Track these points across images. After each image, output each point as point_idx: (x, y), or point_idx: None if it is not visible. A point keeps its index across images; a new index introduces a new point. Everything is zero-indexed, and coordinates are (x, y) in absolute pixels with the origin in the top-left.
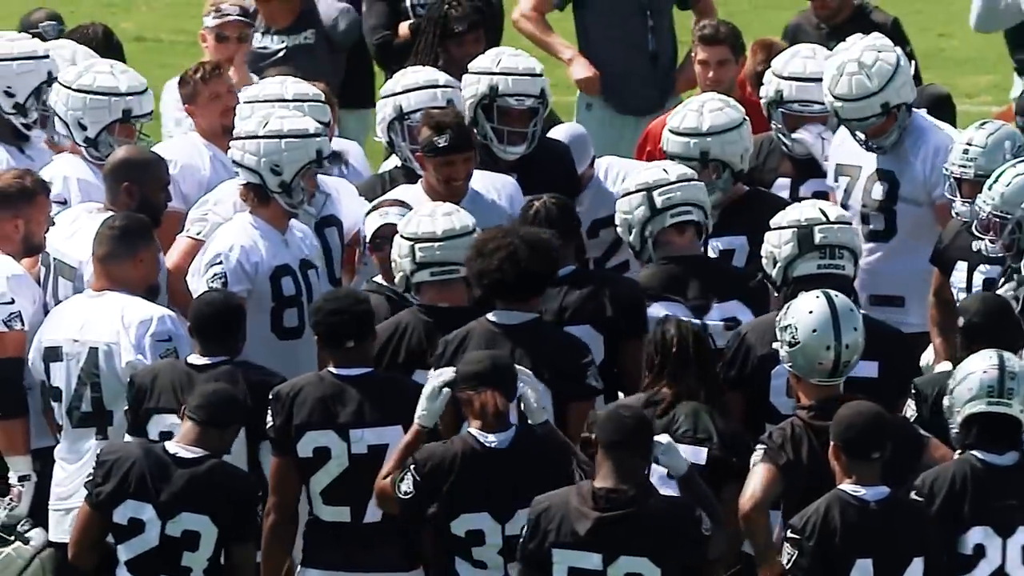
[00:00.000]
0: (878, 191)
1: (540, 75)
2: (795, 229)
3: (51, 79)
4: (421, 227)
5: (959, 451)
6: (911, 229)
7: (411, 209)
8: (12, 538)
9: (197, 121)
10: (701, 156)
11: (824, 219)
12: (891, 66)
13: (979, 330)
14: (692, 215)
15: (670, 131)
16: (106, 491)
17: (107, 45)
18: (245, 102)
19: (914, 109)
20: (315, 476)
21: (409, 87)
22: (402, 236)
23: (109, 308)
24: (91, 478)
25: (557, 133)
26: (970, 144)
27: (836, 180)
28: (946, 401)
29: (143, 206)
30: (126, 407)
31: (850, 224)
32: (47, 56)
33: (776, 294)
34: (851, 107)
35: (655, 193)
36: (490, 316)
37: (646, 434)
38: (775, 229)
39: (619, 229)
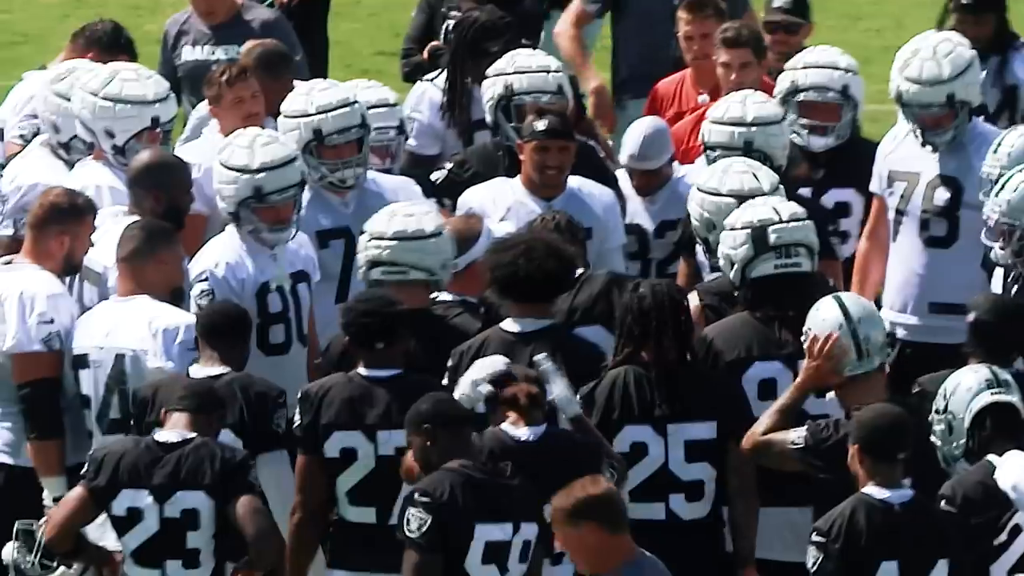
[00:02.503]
0: (941, 196)
1: (558, 71)
2: (749, 230)
3: (155, 124)
4: (377, 225)
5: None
6: (973, 235)
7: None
8: (55, 563)
9: (221, 123)
10: (745, 146)
11: (777, 218)
12: (965, 60)
13: (986, 328)
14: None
15: (712, 121)
16: (100, 485)
17: (115, 42)
18: (286, 116)
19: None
20: (341, 477)
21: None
22: (365, 230)
23: (136, 314)
24: (84, 473)
25: (639, 126)
26: (1000, 145)
27: (890, 186)
28: (938, 424)
29: (169, 210)
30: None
31: (805, 220)
32: (154, 102)
33: (735, 294)
34: (917, 91)
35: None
36: (504, 325)
37: (464, 413)
38: (730, 230)
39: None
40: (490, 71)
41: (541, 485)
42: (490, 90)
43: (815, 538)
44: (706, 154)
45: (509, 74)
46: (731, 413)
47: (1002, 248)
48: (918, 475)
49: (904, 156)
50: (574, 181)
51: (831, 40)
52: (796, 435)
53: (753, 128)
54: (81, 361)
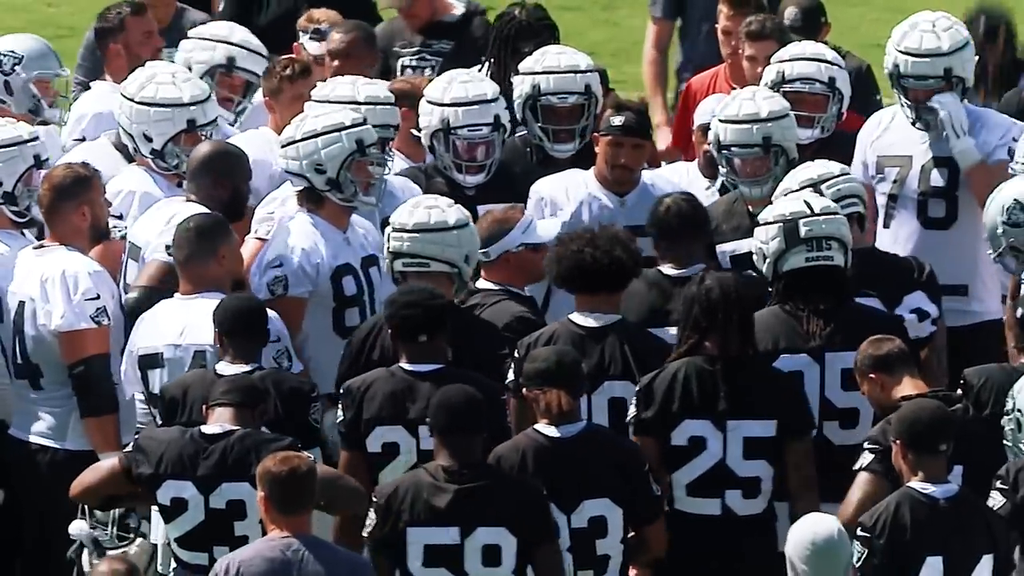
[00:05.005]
0: (938, 178)
1: (586, 71)
2: (781, 224)
3: (192, 127)
4: (400, 216)
5: None
6: (972, 215)
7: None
8: (131, 535)
9: (274, 117)
10: (763, 142)
11: (809, 211)
12: (963, 37)
13: None
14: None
15: (726, 120)
16: (145, 474)
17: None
18: (316, 101)
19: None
20: (384, 471)
21: (458, 100)
22: (390, 221)
23: (210, 311)
24: (128, 454)
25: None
26: None
27: (879, 173)
28: (1009, 424)
29: (234, 199)
30: None
31: (837, 214)
32: (189, 104)
33: (770, 289)
34: (916, 63)
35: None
36: (573, 318)
37: (479, 411)
38: (763, 224)
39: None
40: (520, 67)
41: (576, 484)
42: (519, 88)
43: (860, 533)
44: (721, 154)
45: (537, 73)
46: (791, 412)
47: None
48: (964, 471)
49: (893, 141)
50: (647, 175)
51: (876, 34)
52: (863, 461)
53: (769, 123)
54: (152, 360)
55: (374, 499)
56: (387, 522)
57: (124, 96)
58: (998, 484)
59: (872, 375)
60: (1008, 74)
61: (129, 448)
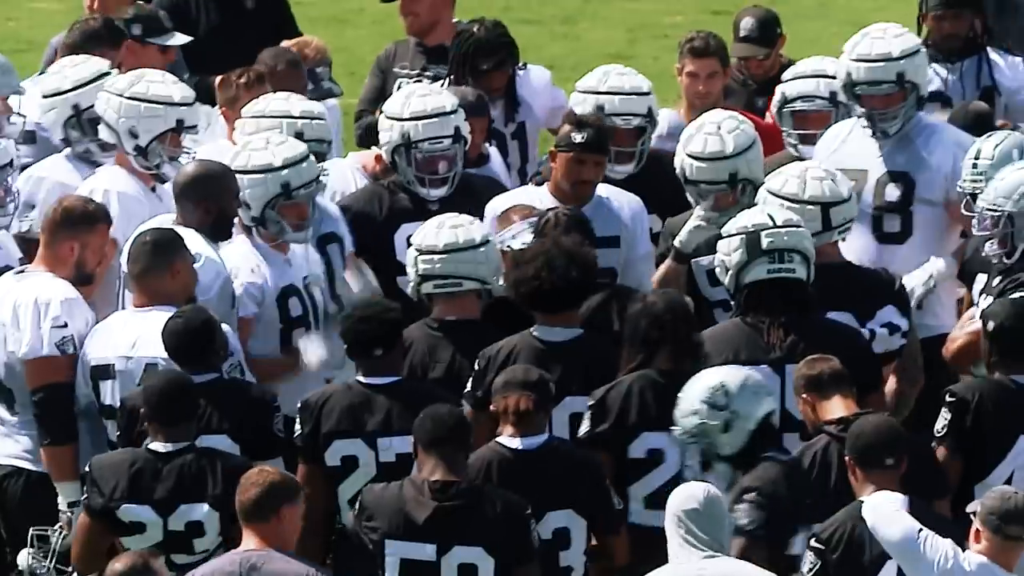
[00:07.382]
0: (892, 192)
1: (647, 94)
2: (743, 236)
3: (180, 127)
4: (426, 238)
5: None
6: (926, 230)
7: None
8: (70, 569)
9: (231, 128)
10: (731, 178)
11: (771, 224)
12: (915, 44)
13: (1008, 333)
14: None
15: (692, 157)
16: (101, 503)
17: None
18: (250, 117)
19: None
20: (343, 485)
21: (417, 114)
22: (411, 244)
23: (161, 324)
24: (85, 494)
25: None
26: (978, 158)
27: None
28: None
29: (218, 220)
30: None
31: (799, 227)
32: (180, 104)
33: (731, 301)
34: (868, 68)
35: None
36: (535, 332)
37: (466, 428)
38: (725, 237)
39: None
40: (579, 86)
41: (539, 496)
42: (579, 107)
43: (814, 544)
44: (687, 186)
45: (601, 93)
46: None
47: (990, 239)
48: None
49: (849, 154)
50: (601, 189)
51: (835, 48)
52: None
53: (736, 159)
54: (103, 372)
55: (359, 501)
56: (366, 524)
57: (111, 92)
58: (812, 543)
59: (804, 395)
60: None
61: (83, 491)
